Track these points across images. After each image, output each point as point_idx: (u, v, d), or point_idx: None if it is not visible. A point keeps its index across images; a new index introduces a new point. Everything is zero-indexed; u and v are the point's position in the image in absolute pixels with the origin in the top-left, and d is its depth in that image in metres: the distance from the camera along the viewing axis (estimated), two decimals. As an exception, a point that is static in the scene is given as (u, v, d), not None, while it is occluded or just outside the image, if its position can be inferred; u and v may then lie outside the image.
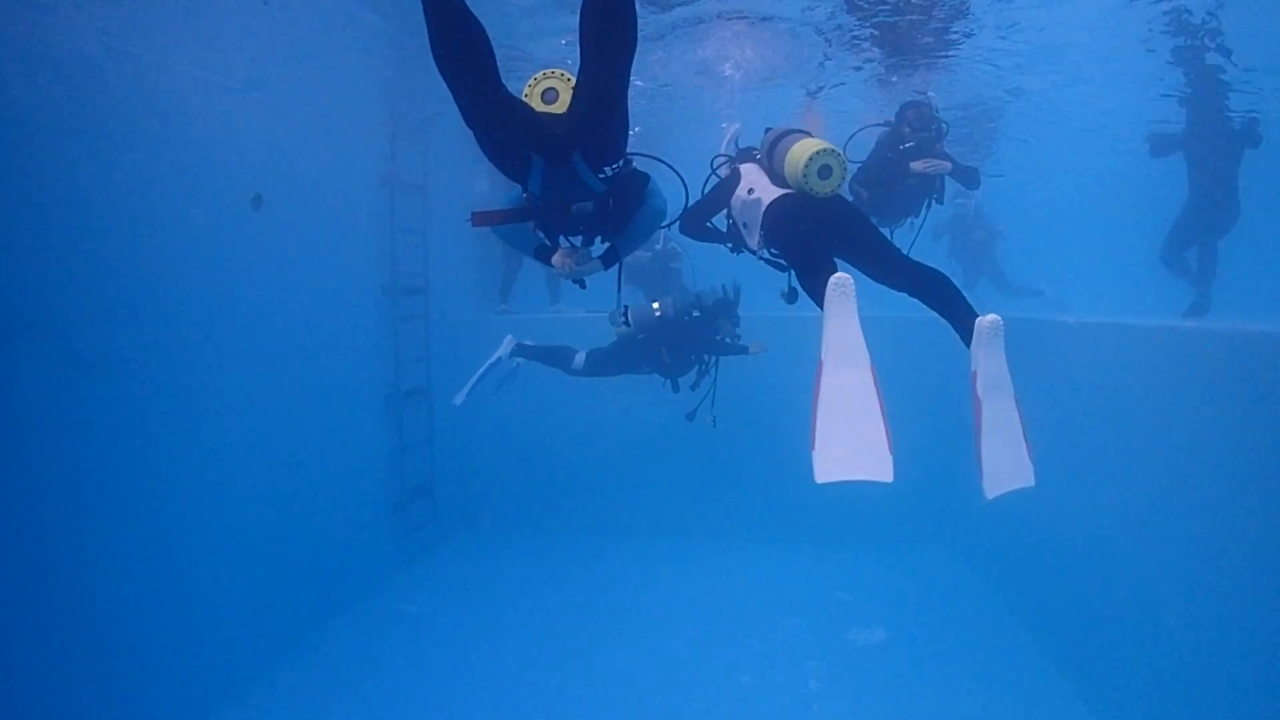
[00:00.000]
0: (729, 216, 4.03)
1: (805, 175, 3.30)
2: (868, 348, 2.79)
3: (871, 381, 2.75)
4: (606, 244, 3.54)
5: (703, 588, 7.07)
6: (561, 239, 3.56)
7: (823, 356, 2.81)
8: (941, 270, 3.08)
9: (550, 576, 7.37)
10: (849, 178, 6.15)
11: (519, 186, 3.26)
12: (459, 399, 6.78)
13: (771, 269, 3.93)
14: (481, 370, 6.80)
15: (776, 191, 3.55)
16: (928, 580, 7.17)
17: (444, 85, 2.52)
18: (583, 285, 3.80)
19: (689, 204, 3.86)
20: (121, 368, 4.40)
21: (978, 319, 2.74)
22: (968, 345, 2.80)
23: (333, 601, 6.37)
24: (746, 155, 4.04)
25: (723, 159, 4.26)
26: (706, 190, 4.17)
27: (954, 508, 7.78)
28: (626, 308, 4.10)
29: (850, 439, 2.70)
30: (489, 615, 6.51)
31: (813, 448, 2.71)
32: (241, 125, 5.39)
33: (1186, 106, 7.17)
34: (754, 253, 3.88)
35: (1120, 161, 10.59)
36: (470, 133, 2.81)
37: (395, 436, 7.33)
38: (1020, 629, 6.05)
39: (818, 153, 3.28)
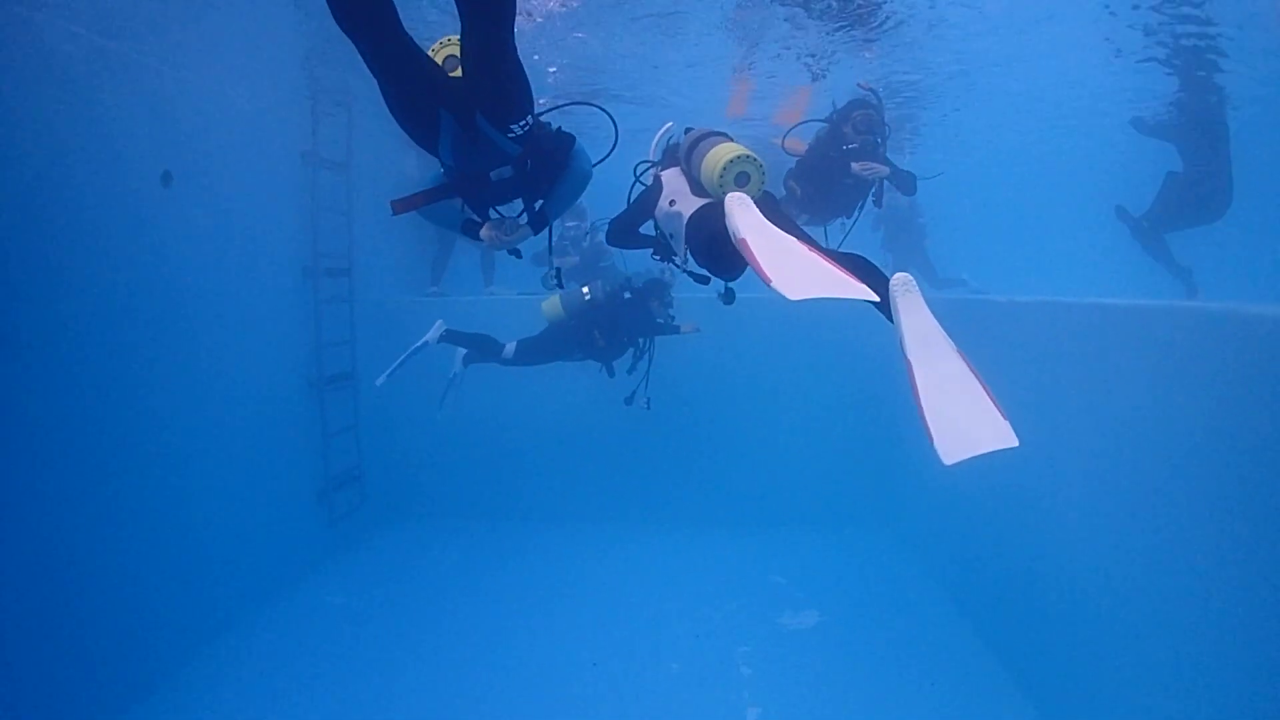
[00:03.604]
0: (656, 226, 3.88)
1: (722, 184, 3.14)
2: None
3: (804, 245, 2.64)
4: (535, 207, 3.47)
5: (636, 573, 7.01)
6: (490, 212, 3.47)
7: (744, 236, 2.69)
8: (862, 255, 3.00)
9: (481, 565, 7.23)
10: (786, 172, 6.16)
11: (438, 166, 3.19)
12: (380, 380, 6.63)
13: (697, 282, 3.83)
14: (406, 354, 6.65)
15: (697, 202, 3.38)
16: (863, 563, 7.23)
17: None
18: (518, 255, 3.74)
19: (615, 148, 3.72)
20: (14, 352, 4.08)
21: (889, 283, 2.58)
22: (889, 318, 2.62)
23: (251, 595, 6.10)
24: (672, 158, 3.86)
25: (646, 164, 4.10)
26: (631, 198, 4.02)
27: (890, 489, 7.90)
28: (559, 269, 4.01)
29: (797, 268, 2.52)
30: (416, 605, 6.33)
31: (770, 282, 2.46)
32: (149, 97, 5.05)
33: (1175, 91, 7.33)
34: (680, 266, 3.76)
35: (1056, 144, 10.83)
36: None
37: (318, 423, 7.06)
38: (955, 611, 6.13)
39: (732, 160, 3.11)
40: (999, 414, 2.36)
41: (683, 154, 3.62)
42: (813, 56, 6.77)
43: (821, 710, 4.87)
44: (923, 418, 2.35)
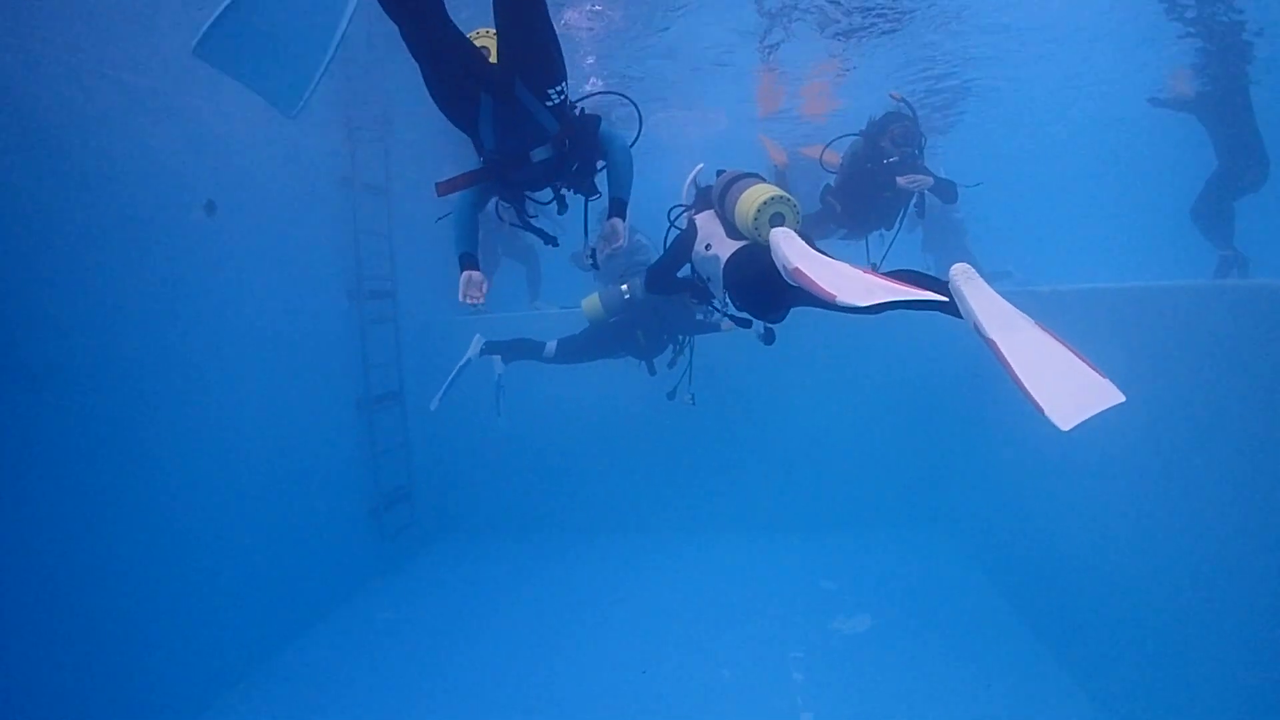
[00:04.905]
0: (693, 270, 3.88)
1: (757, 226, 3.16)
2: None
3: (855, 268, 2.66)
4: (610, 199, 3.66)
5: (683, 582, 6.97)
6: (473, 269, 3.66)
7: (796, 264, 2.71)
8: (908, 268, 2.95)
9: (530, 578, 7.26)
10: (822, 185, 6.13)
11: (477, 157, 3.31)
12: (434, 404, 6.70)
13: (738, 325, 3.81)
14: (454, 373, 6.72)
15: (733, 245, 3.39)
16: (914, 564, 7.06)
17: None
18: (555, 243, 3.90)
19: (640, 135, 3.79)
20: (73, 381, 4.27)
21: (950, 277, 2.55)
22: (959, 314, 2.56)
23: (308, 612, 6.26)
24: (704, 201, 3.88)
25: (680, 208, 4.13)
26: (667, 244, 4.06)
27: (941, 487, 7.73)
28: (594, 250, 4.07)
29: (857, 282, 2.55)
30: (467, 619, 6.40)
31: (835, 297, 2.49)
32: (191, 130, 5.25)
33: (1198, 71, 7.23)
34: (721, 310, 3.75)
35: (1092, 132, 10.60)
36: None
37: (368, 442, 7.20)
38: (1012, 611, 5.93)
39: (766, 202, 3.13)
40: (1098, 373, 2.30)
41: (715, 197, 3.64)
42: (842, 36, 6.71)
43: (877, 715, 4.76)
44: (1024, 391, 2.27)
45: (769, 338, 3.84)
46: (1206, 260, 6.72)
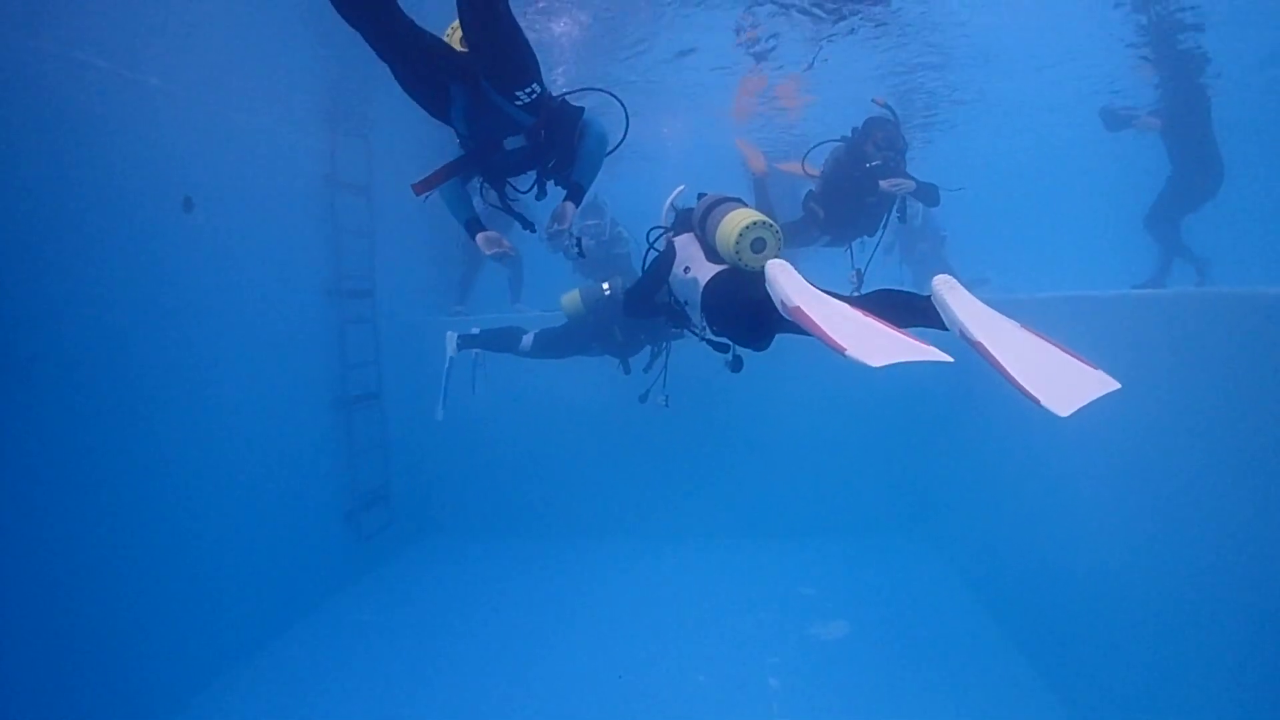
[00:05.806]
0: (670, 294, 3.81)
1: (738, 251, 3.10)
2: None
3: (855, 308, 2.58)
4: (566, 183, 3.66)
5: (663, 585, 6.97)
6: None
7: (796, 304, 2.64)
8: (886, 287, 2.92)
9: (508, 581, 7.23)
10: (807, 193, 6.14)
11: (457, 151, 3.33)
12: (439, 414, 6.65)
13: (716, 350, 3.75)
14: (444, 378, 6.68)
15: (712, 269, 3.33)
16: (893, 572, 7.09)
17: (384, 83, 2.60)
18: (532, 229, 3.89)
19: (626, 135, 3.79)
20: (49, 377, 4.22)
21: (932, 289, 2.58)
22: (944, 326, 2.57)
23: (284, 613, 6.19)
24: (684, 224, 3.82)
25: (659, 230, 4.09)
26: (645, 265, 4.02)
27: (921, 496, 7.76)
28: (580, 239, 4.04)
29: (865, 333, 2.47)
30: (444, 622, 6.36)
31: (845, 350, 2.39)
32: (171, 124, 5.19)
33: (1157, 78, 7.31)
34: (698, 334, 3.69)
35: (1066, 137, 10.74)
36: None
37: (345, 443, 7.14)
38: (990, 619, 5.97)
39: (748, 226, 3.08)
40: (1088, 365, 2.33)
41: (696, 220, 3.58)
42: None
43: (851, 721, 4.78)
44: (1018, 385, 2.27)
45: (736, 365, 3.77)
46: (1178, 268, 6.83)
